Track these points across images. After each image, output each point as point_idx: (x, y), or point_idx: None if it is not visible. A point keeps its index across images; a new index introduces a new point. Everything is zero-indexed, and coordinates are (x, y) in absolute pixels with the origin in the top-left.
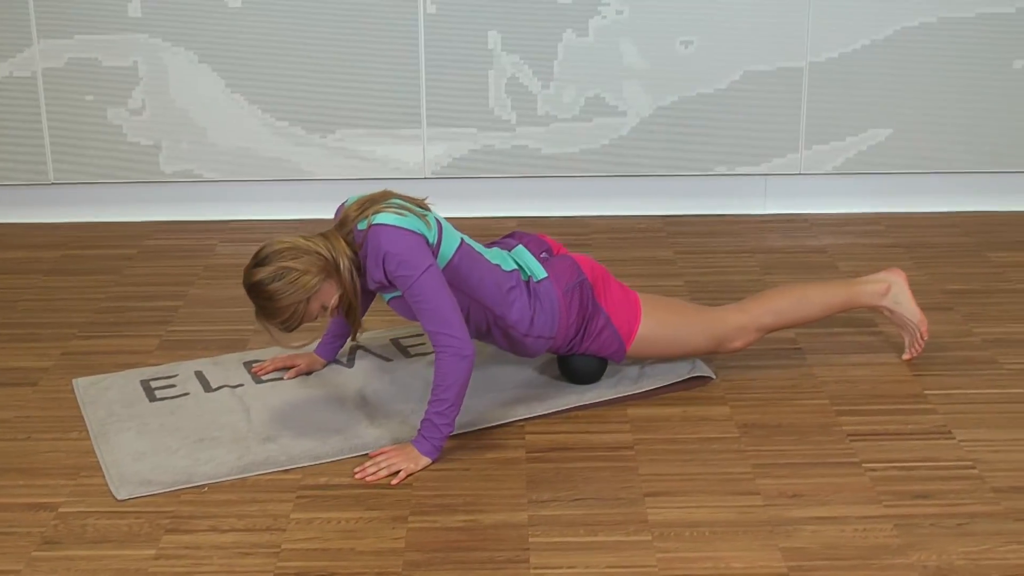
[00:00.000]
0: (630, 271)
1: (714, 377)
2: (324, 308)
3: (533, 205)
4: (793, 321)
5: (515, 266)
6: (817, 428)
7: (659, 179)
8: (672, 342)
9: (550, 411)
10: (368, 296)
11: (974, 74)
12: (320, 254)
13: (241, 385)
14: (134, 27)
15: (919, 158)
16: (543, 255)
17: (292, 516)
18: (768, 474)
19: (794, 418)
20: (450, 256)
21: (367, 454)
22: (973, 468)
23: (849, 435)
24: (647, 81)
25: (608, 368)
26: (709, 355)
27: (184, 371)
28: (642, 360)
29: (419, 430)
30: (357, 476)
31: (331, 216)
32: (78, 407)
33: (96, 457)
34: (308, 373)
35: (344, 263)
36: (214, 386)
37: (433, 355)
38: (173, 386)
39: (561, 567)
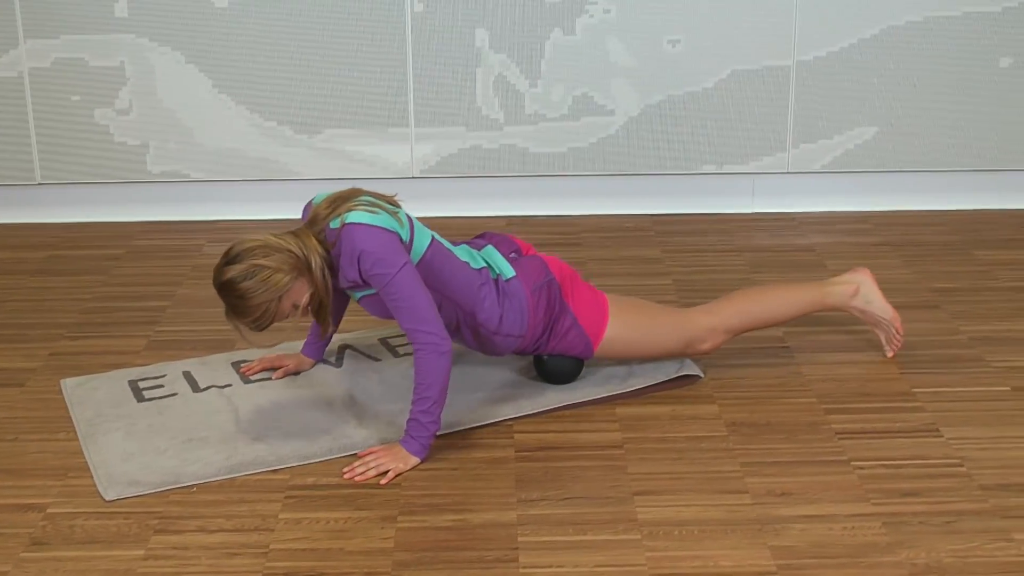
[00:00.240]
0: (618, 270)
1: (702, 376)
2: (295, 307)
3: (521, 204)
4: (762, 323)
5: (483, 264)
6: (805, 426)
7: (647, 178)
8: (641, 343)
9: (538, 410)
10: (340, 295)
11: (961, 72)
12: (292, 252)
13: (229, 385)
14: (121, 27)
15: (906, 156)
16: (512, 255)
17: (280, 516)
18: (757, 472)
19: (782, 416)
20: (422, 253)
21: (356, 454)
22: (961, 466)
23: (837, 433)
24: (635, 80)
25: (596, 367)
26: (678, 357)
27: (172, 371)
28: (614, 361)
29: (406, 430)
30: (346, 476)
31: None
32: (66, 408)
33: (84, 458)
34: (296, 373)
35: (316, 261)
36: (202, 386)
37: None
38: (161, 386)
39: (550, 566)
